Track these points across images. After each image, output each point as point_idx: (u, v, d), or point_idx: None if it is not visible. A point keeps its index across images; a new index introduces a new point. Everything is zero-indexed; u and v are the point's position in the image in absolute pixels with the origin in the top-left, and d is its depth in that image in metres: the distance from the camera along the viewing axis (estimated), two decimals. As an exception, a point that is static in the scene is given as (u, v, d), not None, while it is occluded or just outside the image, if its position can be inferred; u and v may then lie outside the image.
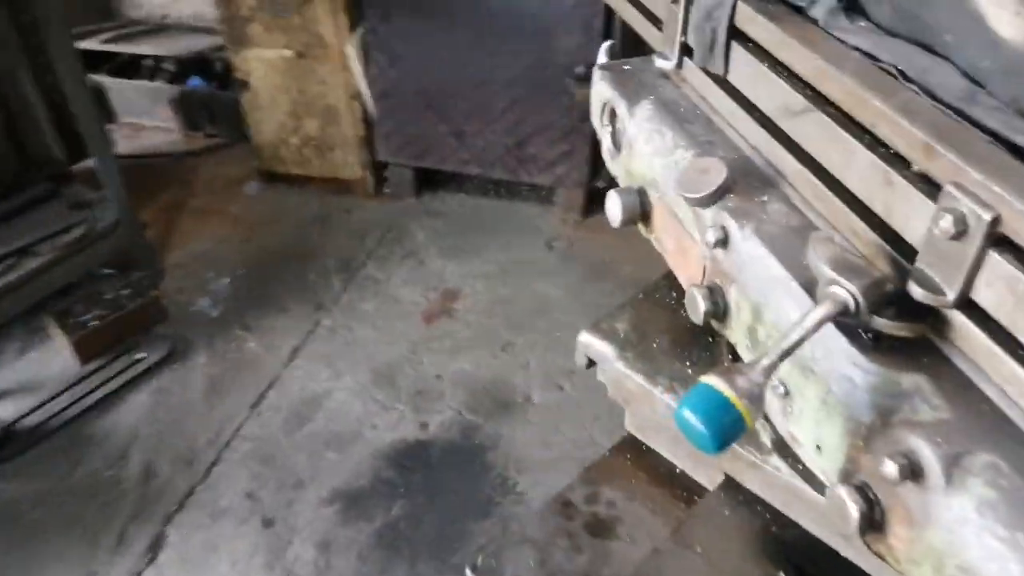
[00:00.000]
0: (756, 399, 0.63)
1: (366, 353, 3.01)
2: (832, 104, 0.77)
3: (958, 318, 0.65)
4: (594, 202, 3.75)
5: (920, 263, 0.66)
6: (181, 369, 2.92)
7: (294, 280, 3.35)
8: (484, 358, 3.00)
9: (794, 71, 0.81)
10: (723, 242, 0.84)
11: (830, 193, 0.78)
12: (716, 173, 0.85)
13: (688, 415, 0.63)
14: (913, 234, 0.69)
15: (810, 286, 0.74)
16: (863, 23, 0.81)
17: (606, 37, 3.21)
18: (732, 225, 0.83)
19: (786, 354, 0.65)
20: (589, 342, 1.02)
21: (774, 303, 0.77)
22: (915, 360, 0.67)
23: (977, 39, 0.65)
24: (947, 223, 0.62)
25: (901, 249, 0.71)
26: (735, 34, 0.90)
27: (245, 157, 4.01)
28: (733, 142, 0.94)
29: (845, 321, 0.68)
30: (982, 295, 0.62)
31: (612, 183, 3.70)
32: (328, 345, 3.04)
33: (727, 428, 0.62)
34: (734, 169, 0.85)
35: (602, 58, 1.18)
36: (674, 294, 1.08)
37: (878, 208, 0.72)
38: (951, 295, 0.64)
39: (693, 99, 1.03)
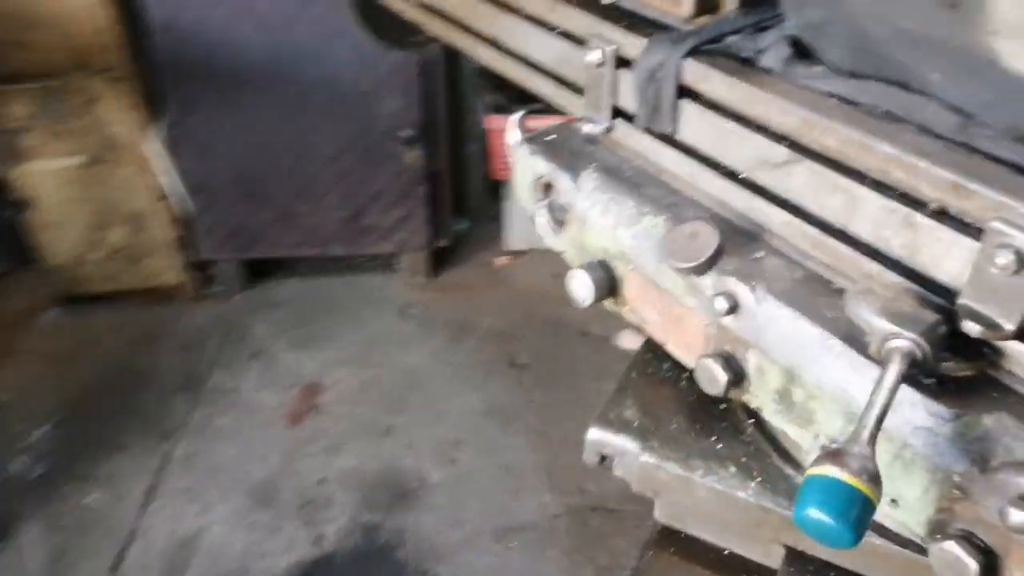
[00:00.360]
0: (874, 474, 0.59)
1: (235, 475, 2.71)
2: (817, 153, 0.76)
3: (1017, 348, 0.65)
4: (438, 262, 3.69)
5: (966, 300, 0.66)
6: (9, 550, 2.46)
7: (129, 411, 2.97)
8: (366, 449, 2.81)
9: (769, 125, 0.80)
10: (733, 308, 0.80)
11: (833, 241, 0.77)
12: (707, 237, 0.81)
13: (816, 514, 0.58)
14: (946, 272, 0.68)
15: (850, 339, 0.72)
16: (818, 68, 0.82)
17: (427, 98, 3.19)
18: (740, 289, 0.80)
19: (881, 420, 0.62)
20: (602, 439, 0.94)
21: (812, 363, 0.74)
22: (985, 397, 0.66)
23: (975, 75, 0.66)
24: (1005, 259, 0.61)
25: (926, 286, 0.71)
26: (683, 92, 0.88)
27: (36, 283, 3.52)
28: (697, 201, 0.92)
29: (910, 372, 0.66)
30: (1043, 322, 0.63)
31: (457, 240, 3.64)
32: (188, 476, 2.70)
33: (860, 515, 0.58)
34: (719, 229, 0.82)
35: (514, 131, 1.12)
36: (665, 366, 1.03)
37: (897, 251, 0.72)
38: (1010, 327, 0.64)
39: (635, 161, 0.99)
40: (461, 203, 3.86)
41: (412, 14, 1.44)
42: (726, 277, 0.81)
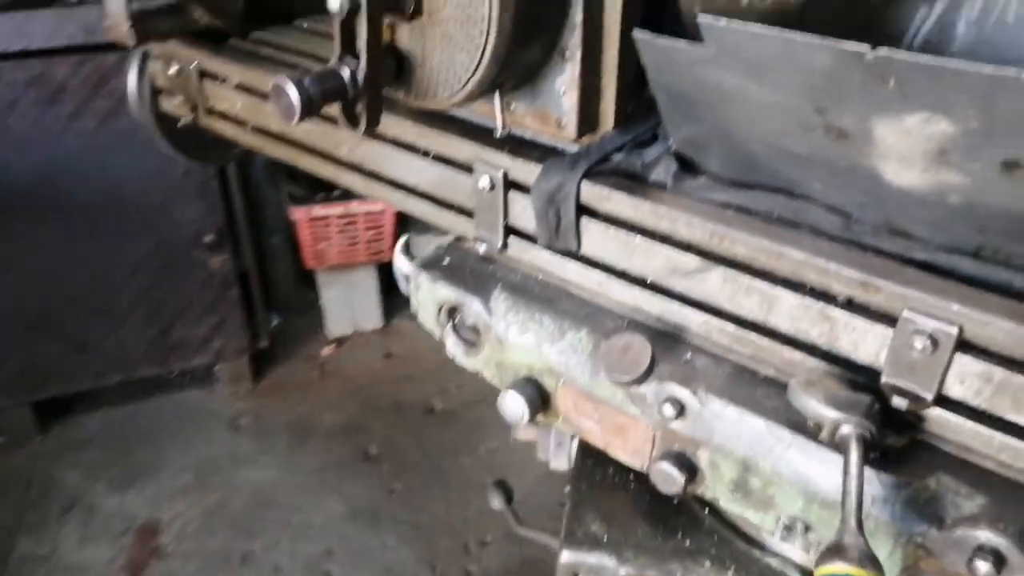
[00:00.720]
0: (873, 558, 0.65)
1: (76, 653, 2.36)
2: (728, 260, 0.83)
3: (936, 414, 0.75)
4: (260, 365, 3.49)
5: (888, 378, 0.75)
6: None
7: (-82, 610, 2.49)
8: (227, 584, 2.57)
9: (676, 238, 0.86)
10: (680, 412, 0.85)
11: (753, 335, 0.84)
12: (640, 349, 0.85)
13: (839, 613, 0.62)
14: (864, 354, 0.77)
15: (797, 427, 0.79)
16: (703, 179, 0.90)
17: (226, 201, 3.04)
18: (683, 393, 0.84)
19: (860, 504, 0.68)
20: (577, 560, 0.94)
21: (766, 453, 0.80)
22: (922, 462, 0.76)
23: (855, 185, 0.77)
24: (921, 343, 0.71)
25: (847, 368, 0.80)
26: (582, 210, 0.92)
27: None
28: (611, 309, 0.96)
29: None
30: (955, 390, 0.73)
31: (276, 338, 3.47)
32: (16, 670, 2.31)
33: (872, 602, 0.63)
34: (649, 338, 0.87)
35: (401, 259, 1.11)
36: (610, 471, 1.05)
37: (816, 339, 0.80)
38: (929, 397, 0.73)
39: (538, 276, 1.02)
40: (272, 298, 3.69)
41: (247, 139, 1.38)
42: (666, 383, 0.86)
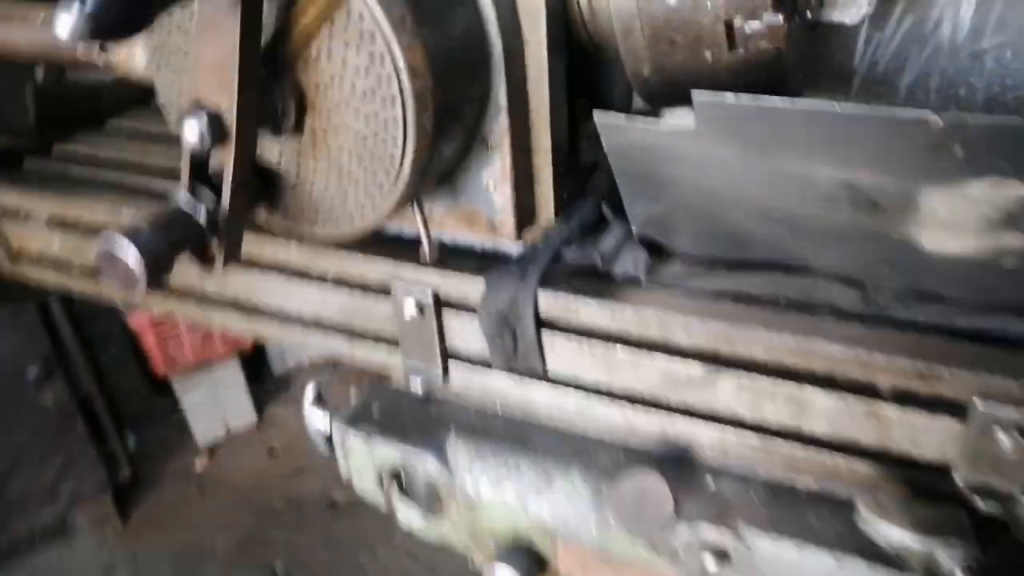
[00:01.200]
0: None
1: None
2: (743, 362, 0.69)
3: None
4: (127, 498, 3.04)
5: (966, 477, 0.63)
6: None
7: None
8: None
9: (672, 345, 0.70)
10: (723, 557, 0.69)
11: (783, 444, 0.70)
12: (658, 491, 0.69)
13: None
14: (927, 452, 0.65)
15: (870, 555, 0.65)
16: (678, 265, 0.75)
17: (47, 323, 2.61)
18: (721, 535, 0.69)
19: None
20: None
21: (842, 591, 0.66)
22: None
23: (874, 252, 0.64)
24: (1008, 437, 0.59)
25: (901, 466, 0.67)
26: (543, 322, 0.75)
27: None
28: (598, 437, 0.79)
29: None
30: (1046, 476, 0.62)
31: (138, 464, 3.02)
32: None
33: None
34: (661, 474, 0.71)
35: (315, 414, 0.89)
36: None
37: (863, 441, 0.67)
38: (1020, 492, 0.62)
39: (495, 408, 0.84)
40: (124, 418, 3.23)
41: (75, 285, 1.10)
42: (697, 525, 0.69)
